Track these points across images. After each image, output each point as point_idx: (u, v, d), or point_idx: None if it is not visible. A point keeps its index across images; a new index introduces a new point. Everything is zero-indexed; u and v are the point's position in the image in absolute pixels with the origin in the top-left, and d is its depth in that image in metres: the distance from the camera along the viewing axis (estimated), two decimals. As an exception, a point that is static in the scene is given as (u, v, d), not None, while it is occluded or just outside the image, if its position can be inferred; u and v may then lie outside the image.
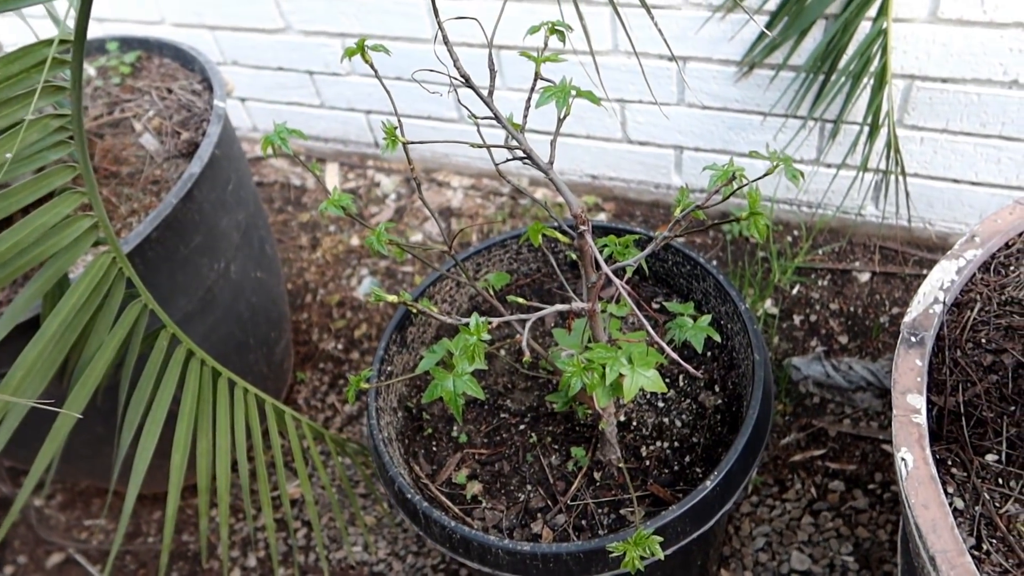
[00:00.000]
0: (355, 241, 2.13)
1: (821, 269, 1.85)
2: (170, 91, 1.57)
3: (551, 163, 0.89)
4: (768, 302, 1.81)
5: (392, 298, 0.82)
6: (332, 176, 2.28)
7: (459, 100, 0.97)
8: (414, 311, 0.86)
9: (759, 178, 0.79)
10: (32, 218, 0.83)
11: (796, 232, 1.92)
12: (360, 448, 1.48)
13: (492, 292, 0.98)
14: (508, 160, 0.91)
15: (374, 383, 1.01)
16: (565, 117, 0.88)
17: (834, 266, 1.84)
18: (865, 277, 1.82)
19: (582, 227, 0.86)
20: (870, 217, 1.84)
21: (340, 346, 1.93)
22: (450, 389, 0.91)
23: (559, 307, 0.86)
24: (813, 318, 1.77)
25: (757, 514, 1.54)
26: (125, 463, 1.50)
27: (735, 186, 0.83)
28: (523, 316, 0.82)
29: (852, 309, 1.77)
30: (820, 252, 1.87)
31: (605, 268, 0.84)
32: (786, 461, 1.60)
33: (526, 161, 0.90)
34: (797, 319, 1.78)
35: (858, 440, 1.60)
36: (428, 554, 1.59)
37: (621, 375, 0.90)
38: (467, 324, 0.77)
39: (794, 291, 1.82)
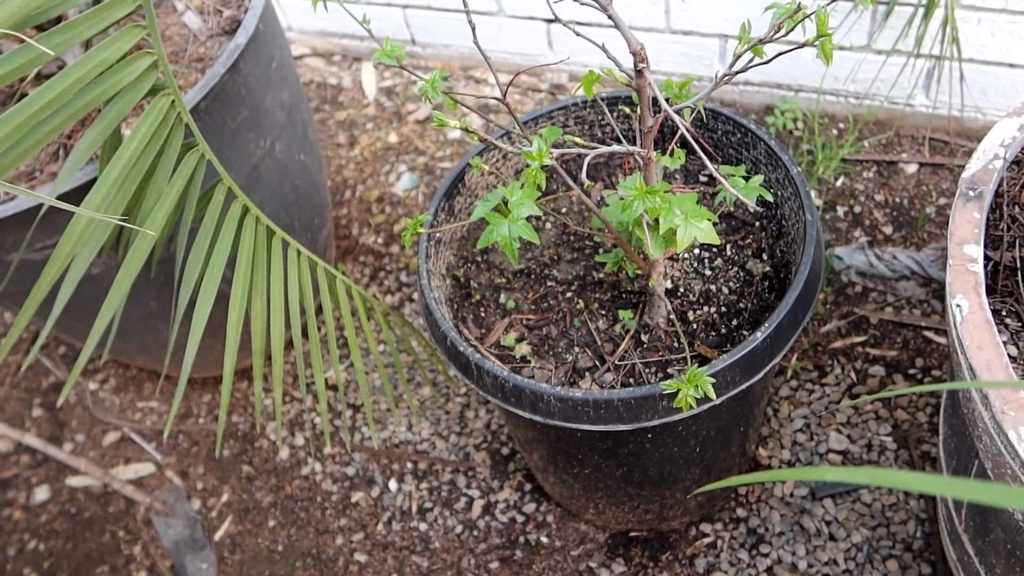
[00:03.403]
0: (393, 138, 2.12)
1: (867, 161, 1.82)
2: (210, -29, 1.56)
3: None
4: (811, 194, 1.79)
5: (454, 123, 0.82)
6: (368, 74, 2.26)
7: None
8: (478, 142, 0.86)
9: (827, 4, 0.77)
10: (93, 53, 0.83)
11: (842, 125, 1.88)
12: (408, 325, 1.51)
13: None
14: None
15: (427, 228, 1.02)
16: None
17: (880, 157, 1.81)
18: (912, 168, 1.78)
19: (640, 64, 0.85)
20: (919, 107, 1.80)
21: (380, 240, 1.95)
22: (505, 234, 0.92)
23: (616, 147, 0.86)
24: (857, 209, 1.75)
25: (796, 397, 1.56)
26: (178, 342, 1.54)
27: (799, 17, 0.81)
28: (582, 150, 0.82)
29: (897, 200, 1.75)
30: (866, 144, 1.84)
31: (665, 107, 0.83)
32: (826, 348, 1.60)
33: (584, -1, 0.88)
34: (841, 211, 1.76)
35: (900, 327, 1.59)
36: (470, 434, 1.63)
37: (675, 226, 0.90)
38: (530, 150, 0.77)
39: (838, 183, 1.79)
